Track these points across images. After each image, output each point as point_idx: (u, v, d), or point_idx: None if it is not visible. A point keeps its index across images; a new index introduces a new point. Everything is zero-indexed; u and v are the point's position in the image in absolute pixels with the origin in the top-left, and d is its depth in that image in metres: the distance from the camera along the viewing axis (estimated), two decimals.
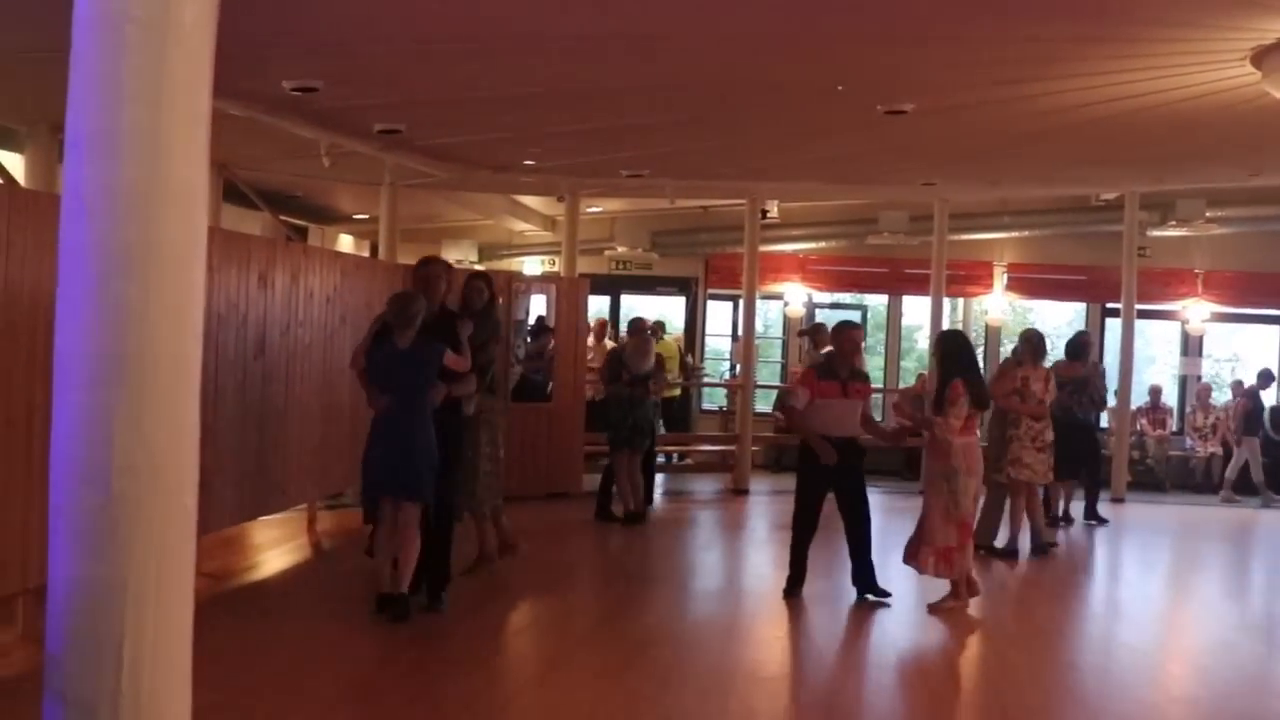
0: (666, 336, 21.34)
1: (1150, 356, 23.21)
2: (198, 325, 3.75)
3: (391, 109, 13.07)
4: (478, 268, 22.66)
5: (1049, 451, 13.69)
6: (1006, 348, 24.96)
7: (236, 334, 11.19)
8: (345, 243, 23.38)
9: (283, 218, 19.64)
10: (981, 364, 14.37)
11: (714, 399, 24.25)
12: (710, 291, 23.93)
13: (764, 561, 13.98)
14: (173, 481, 3.77)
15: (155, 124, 3.59)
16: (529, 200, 22.20)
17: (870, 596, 11.04)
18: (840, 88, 11.57)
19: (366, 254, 21.05)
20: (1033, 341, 14.12)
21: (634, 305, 23.48)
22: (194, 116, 3.66)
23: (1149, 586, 13.51)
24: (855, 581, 11.19)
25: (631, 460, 15.13)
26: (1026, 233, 22.31)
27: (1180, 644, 10.91)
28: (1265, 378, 18.38)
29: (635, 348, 15.32)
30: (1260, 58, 10.00)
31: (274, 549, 12.62)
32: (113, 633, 3.65)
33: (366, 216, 21.73)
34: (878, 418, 22.45)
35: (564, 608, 11.02)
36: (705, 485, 19.34)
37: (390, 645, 9.08)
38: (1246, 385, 20.32)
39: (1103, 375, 17.33)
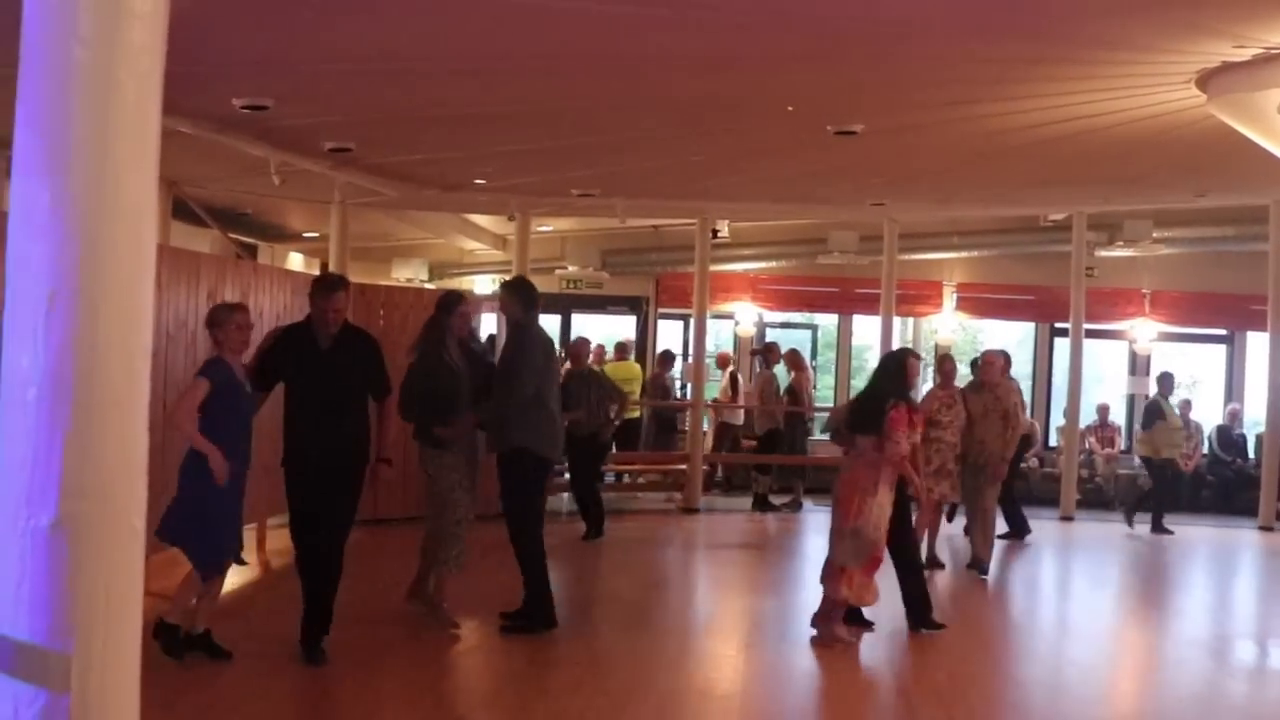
0: (630, 358, 21.41)
1: (1098, 375, 23.34)
2: (147, 344, 3.73)
3: (342, 127, 13.05)
4: (429, 287, 22.65)
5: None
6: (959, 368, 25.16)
7: (185, 352, 11.14)
8: (296, 261, 23.30)
9: (232, 235, 19.59)
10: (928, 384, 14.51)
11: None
12: (661, 311, 23.95)
13: (716, 579, 14.02)
14: (121, 502, 3.74)
15: (104, 144, 3.57)
16: (479, 219, 22.18)
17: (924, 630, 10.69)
18: (790, 108, 11.63)
19: (317, 272, 20.96)
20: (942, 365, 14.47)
21: (584, 324, 23.46)
22: (143, 136, 3.64)
23: (1099, 604, 13.57)
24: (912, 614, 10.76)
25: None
26: (976, 253, 22.43)
27: (1129, 661, 10.97)
28: (1165, 381, 18.26)
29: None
30: (1205, 80, 10.11)
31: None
32: (61, 653, 3.63)
33: (317, 235, 21.68)
34: (824, 436, 22.60)
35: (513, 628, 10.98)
36: (654, 504, 19.35)
37: (335, 664, 9.02)
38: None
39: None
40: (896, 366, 10.65)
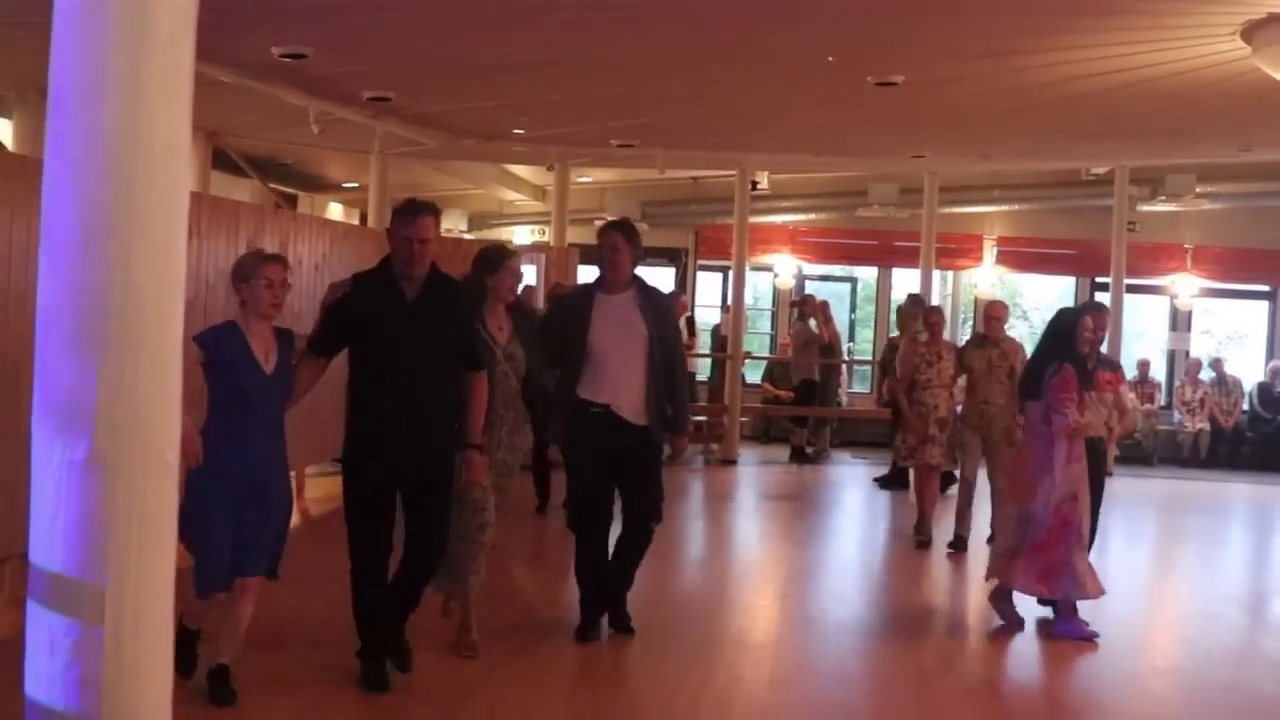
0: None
1: (1139, 331, 23.21)
2: (180, 281, 3.76)
3: (380, 76, 13.06)
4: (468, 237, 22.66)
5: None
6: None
7: (225, 300, 11.15)
8: (335, 211, 23.33)
9: (272, 185, 19.62)
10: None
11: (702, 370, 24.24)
12: (700, 262, 23.91)
13: (752, 530, 14.05)
14: (155, 437, 3.77)
15: (137, 81, 3.59)
16: (519, 170, 22.16)
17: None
18: (831, 59, 11.57)
19: (356, 222, 20.99)
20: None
21: None
22: (177, 73, 3.66)
23: (1135, 559, 13.54)
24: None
25: None
26: (1016, 206, 22.29)
27: (1165, 615, 10.95)
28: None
29: None
30: (1250, 32, 10.02)
31: None
32: (94, 590, 3.67)
33: (356, 185, 21.69)
34: (864, 389, 22.58)
35: (549, 575, 11.03)
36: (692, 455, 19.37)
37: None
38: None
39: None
40: (1064, 326, 9.34)
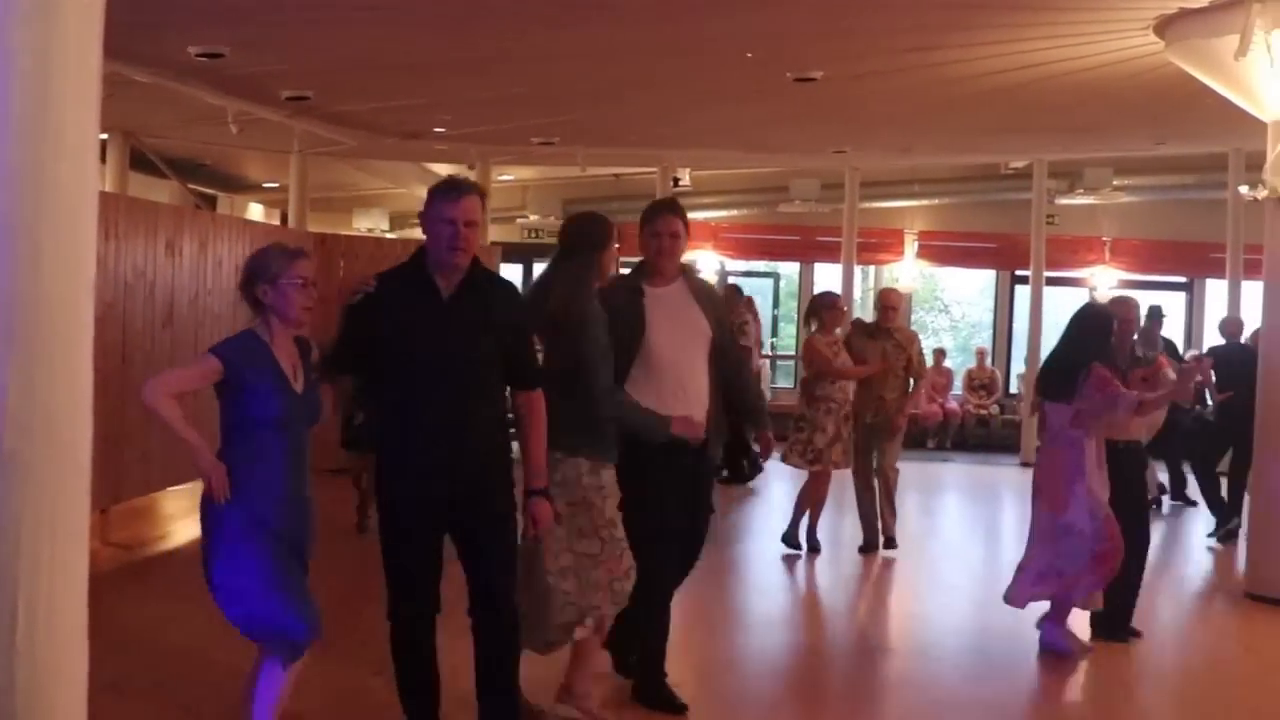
0: None
1: (1058, 323, 23.39)
2: (89, 281, 3.72)
3: (299, 75, 12.99)
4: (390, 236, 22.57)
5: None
6: (919, 315, 25.27)
7: (144, 303, 11.09)
8: (255, 211, 23.17)
9: (191, 186, 19.48)
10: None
11: None
12: (623, 259, 23.81)
13: None
14: (67, 438, 3.73)
15: (45, 81, 3.55)
16: (440, 168, 22.07)
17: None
18: (750, 55, 11.60)
19: (277, 223, 20.86)
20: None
21: None
22: (85, 70, 3.62)
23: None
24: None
25: None
26: (937, 200, 22.45)
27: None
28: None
29: None
30: (1163, 27, 10.15)
31: (185, 519, 12.51)
32: (7, 592, 3.64)
33: (276, 185, 21.57)
34: (787, 384, 22.63)
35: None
36: None
37: None
38: None
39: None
40: (1099, 325, 8.55)
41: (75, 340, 3.73)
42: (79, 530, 3.83)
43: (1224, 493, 13.44)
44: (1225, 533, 13.14)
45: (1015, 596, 8.61)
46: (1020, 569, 8.62)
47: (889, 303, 12.02)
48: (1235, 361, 13.04)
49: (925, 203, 22.55)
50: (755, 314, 19.80)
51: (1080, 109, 14.00)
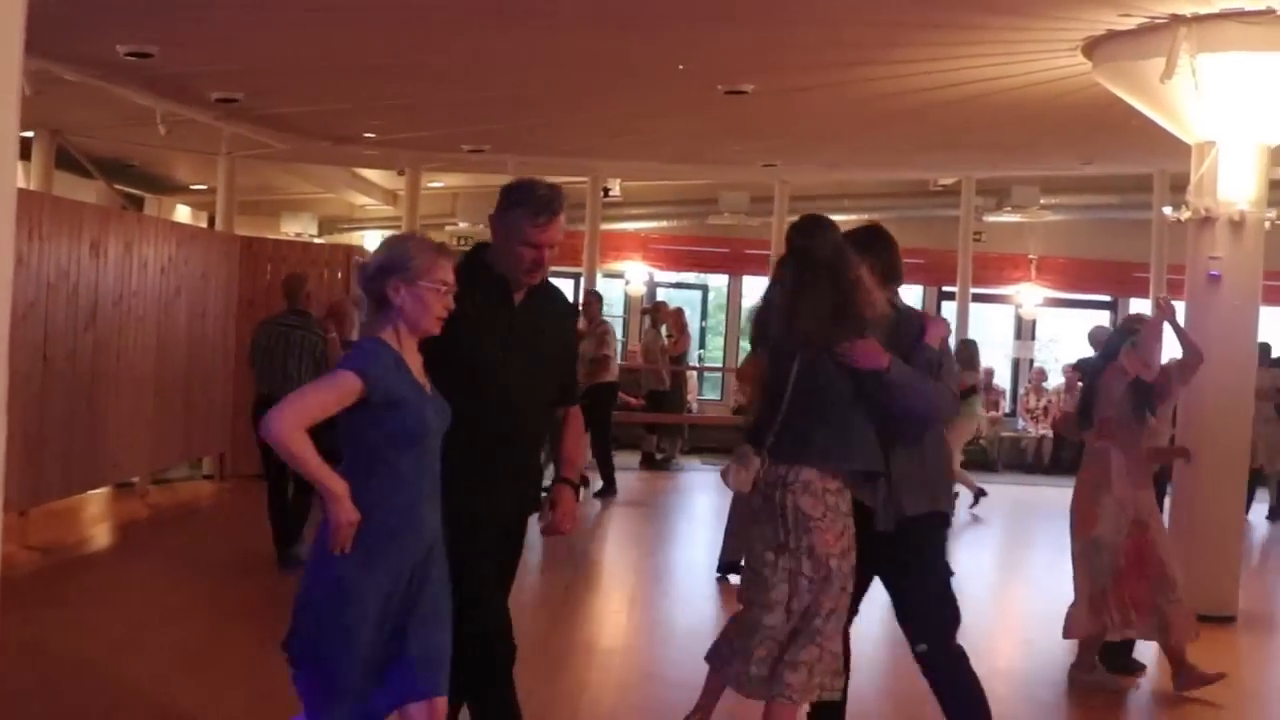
0: None
1: (984, 339, 23.59)
2: (6, 277, 3.66)
3: (229, 76, 12.90)
4: (317, 243, 22.46)
5: None
6: None
7: (67, 303, 10.99)
8: (183, 213, 22.99)
9: (118, 187, 19.31)
10: None
11: None
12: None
13: (603, 536, 14.08)
14: None
15: None
16: (370, 174, 22.03)
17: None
18: (681, 67, 11.63)
19: (204, 225, 20.71)
20: None
21: None
22: (5, 67, 3.58)
23: (980, 563, 13.76)
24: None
25: None
26: (866, 215, 22.49)
27: (1007, 618, 11.13)
28: None
29: None
30: (1091, 48, 10.26)
31: (104, 523, 12.42)
32: None
33: (205, 187, 21.40)
34: (714, 396, 22.69)
35: None
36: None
37: (222, 617, 8.99)
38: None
39: None
40: (1109, 342, 8.57)
41: None
42: None
43: None
44: None
45: (1071, 630, 8.31)
46: (1074, 608, 8.27)
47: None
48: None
49: (854, 217, 22.59)
50: (684, 326, 19.89)
51: (1009, 128, 14.12)
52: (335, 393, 4.47)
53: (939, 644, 5.84)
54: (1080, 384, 10.40)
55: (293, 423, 4.36)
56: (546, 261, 5.16)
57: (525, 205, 5.05)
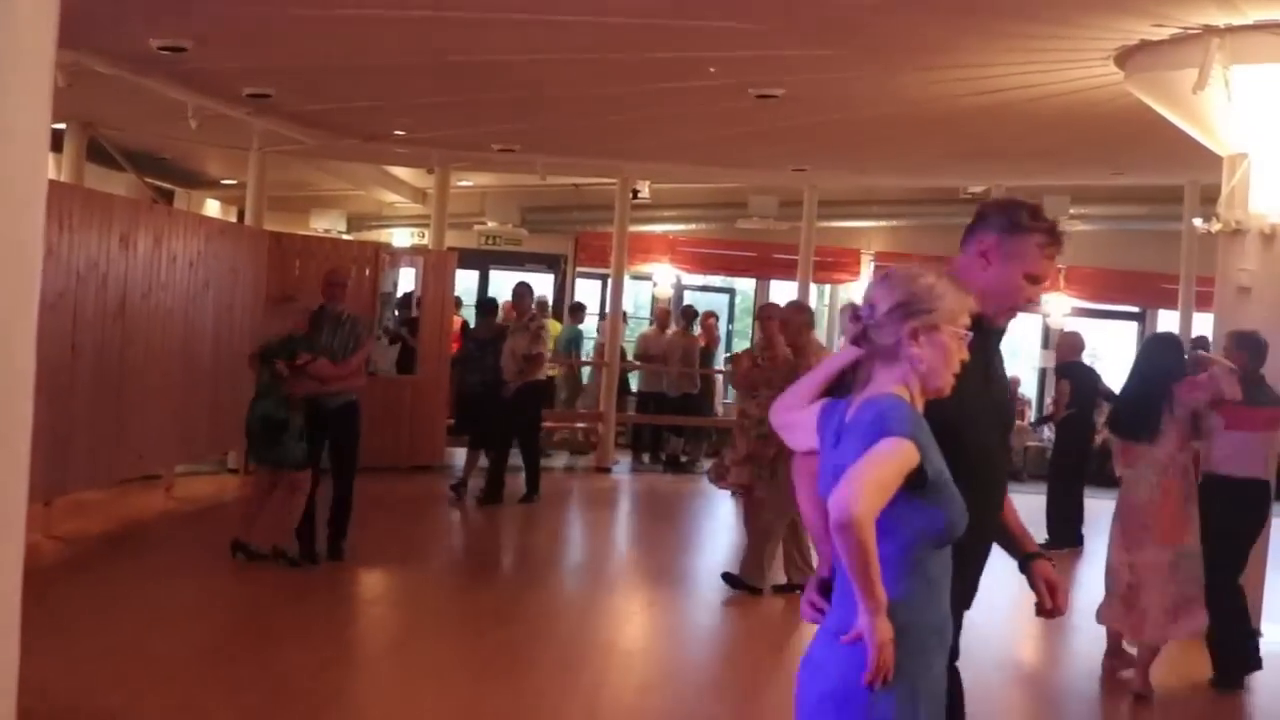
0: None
1: (1010, 348, 23.55)
2: (36, 268, 3.68)
3: (261, 73, 12.92)
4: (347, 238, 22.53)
5: None
6: None
7: (96, 295, 11.02)
8: (212, 208, 23.08)
9: (148, 180, 19.38)
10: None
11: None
12: (579, 270, 23.93)
13: (625, 538, 14.08)
14: (4, 424, 3.69)
15: None
16: (399, 171, 22.04)
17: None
18: (712, 70, 11.62)
19: (234, 220, 20.77)
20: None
21: (502, 281, 23.40)
22: (38, 61, 3.59)
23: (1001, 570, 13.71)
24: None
25: None
26: (895, 222, 22.54)
27: (1029, 627, 11.10)
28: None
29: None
30: (1124, 58, 10.21)
31: (130, 514, 12.47)
32: None
33: (235, 182, 21.46)
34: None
35: (419, 580, 10.98)
36: (564, 463, 19.39)
37: (240, 612, 9.03)
38: None
39: None
40: (1172, 353, 8.81)
41: (16, 328, 3.68)
42: (15, 517, 3.79)
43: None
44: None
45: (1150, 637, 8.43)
46: (1140, 618, 8.39)
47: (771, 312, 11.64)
48: (1075, 377, 14.06)
49: (883, 224, 22.63)
50: (714, 329, 19.92)
51: (1040, 136, 14.07)
52: (895, 463, 3.38)
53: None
54: (1111, 395, 10.53)
55: (872, 513, 3.32)
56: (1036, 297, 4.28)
57: (1042, 230, 4.12)
